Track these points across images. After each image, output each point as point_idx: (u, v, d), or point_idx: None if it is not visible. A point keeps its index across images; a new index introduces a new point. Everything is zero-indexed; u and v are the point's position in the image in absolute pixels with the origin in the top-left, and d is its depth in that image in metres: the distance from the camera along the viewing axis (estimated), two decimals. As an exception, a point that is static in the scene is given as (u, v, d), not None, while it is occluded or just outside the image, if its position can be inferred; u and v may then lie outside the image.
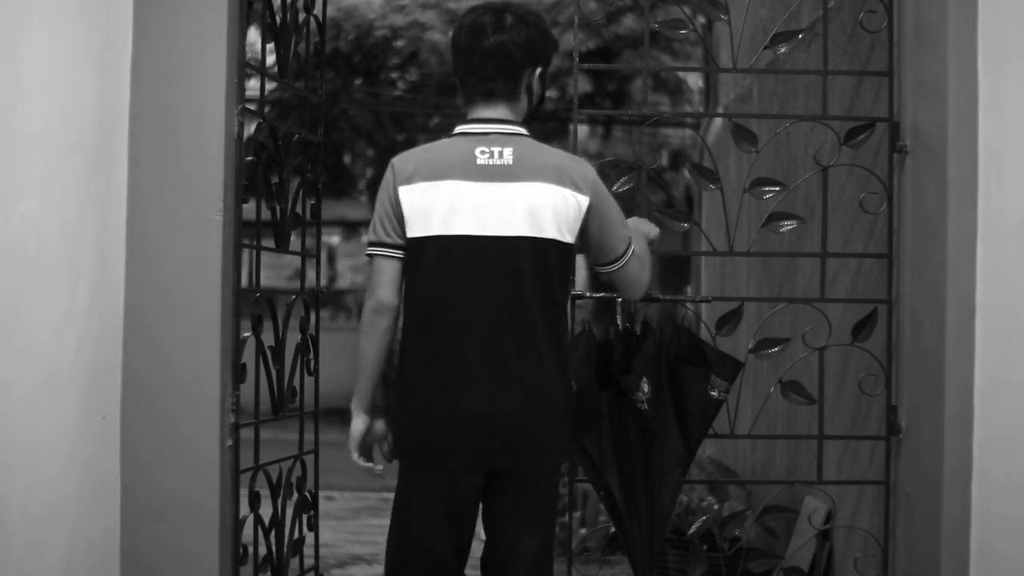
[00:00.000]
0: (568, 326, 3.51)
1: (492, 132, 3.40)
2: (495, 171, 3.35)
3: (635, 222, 3.73)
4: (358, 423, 3.49)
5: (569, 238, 3.38)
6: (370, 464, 3.52)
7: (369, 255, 3.43)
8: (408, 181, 3.38)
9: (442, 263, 3.33)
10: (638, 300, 3.71)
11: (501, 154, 3.36)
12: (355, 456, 3.52)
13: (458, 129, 3.45)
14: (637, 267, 3.53)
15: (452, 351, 3.32)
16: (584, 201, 3.37)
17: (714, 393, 3.82)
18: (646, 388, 3.72)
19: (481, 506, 3.43)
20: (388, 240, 3.40)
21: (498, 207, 3.33)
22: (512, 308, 3.31)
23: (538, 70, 3.47)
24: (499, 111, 3.43)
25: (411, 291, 3.39)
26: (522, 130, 3.44)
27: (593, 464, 3.80)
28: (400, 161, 3.43)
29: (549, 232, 3.34)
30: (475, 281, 3.32)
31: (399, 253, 3.39)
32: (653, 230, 3.80)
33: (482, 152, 3.36)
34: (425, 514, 3.37)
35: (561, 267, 3.38)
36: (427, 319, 3.36)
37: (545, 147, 3.44)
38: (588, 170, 3.44)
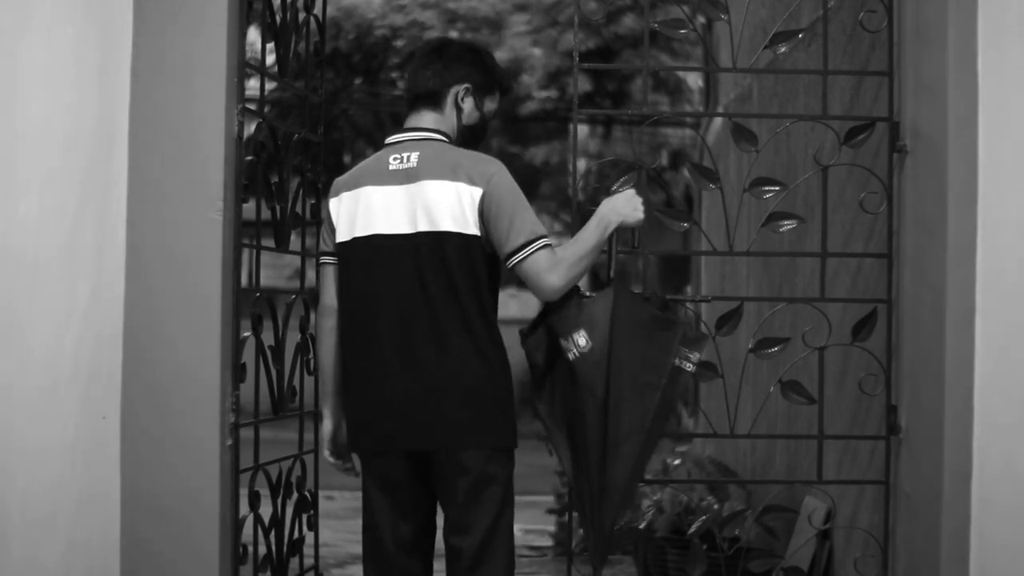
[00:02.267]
0: (487, 312, 3.58)
1: (406, 140, 3.66)
2: (402, 174, 3.60)
3: (618, 200, 3.71)
4: (327, 423, 3.80)
5: (473, 230, 3.54)
6: (339, 462, 3.81)
7: (318, 265, 3.78)
8: (336, 193, 3.71)
9: (360, 262, 3.62)
10: (555, 295, 3.57)
11: (409, 158, 3.60)
12: (327, 455, 3.80)
13: (385, 141, 3.71)
14: (542, 265, 3.53)
15: (370, 341, 3.59)
16: (477, 192, 3.54)
17: (678, 362, 3.67)
18: (581, 341, 3.61)
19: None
20: (325, 248, 3.74)
21: (403, 206, 3.58)
22: (418, 298, 3.55)
23: (466, 86, 3.68)
24: (423, 119, 3.68)
25: (340, 290, 3.69)
26: (437, 136, 3.66)
27: (546, 434, 3.73)
28: (336, 180, 3.76)
29: (445, 225, 3.54)
30: (385, 276, 3.58)
31: (333, 260, 3.71)
32: (633, 215, 3.69)
33: (394, 159, 3.62)
34: (371, 497, 3.64)
35: (465, 257, 3.54)
36: (352, 314, 3.65)
37: (456, 149, 3.64)
38: (489, 166, 3.59)
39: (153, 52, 3.62)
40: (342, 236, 3.65)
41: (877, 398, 4.03)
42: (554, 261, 3.54)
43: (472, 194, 3.54)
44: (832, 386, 4.47)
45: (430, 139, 3.65)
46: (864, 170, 4.11)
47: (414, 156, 3.59)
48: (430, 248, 3.53)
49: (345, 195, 3.67)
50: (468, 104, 3.69)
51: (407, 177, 3.58)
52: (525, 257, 3.53)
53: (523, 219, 3.55)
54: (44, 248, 3.31)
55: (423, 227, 3.55)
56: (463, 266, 3.54)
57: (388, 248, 3.57)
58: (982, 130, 3.58)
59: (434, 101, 3.68)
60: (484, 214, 3.54)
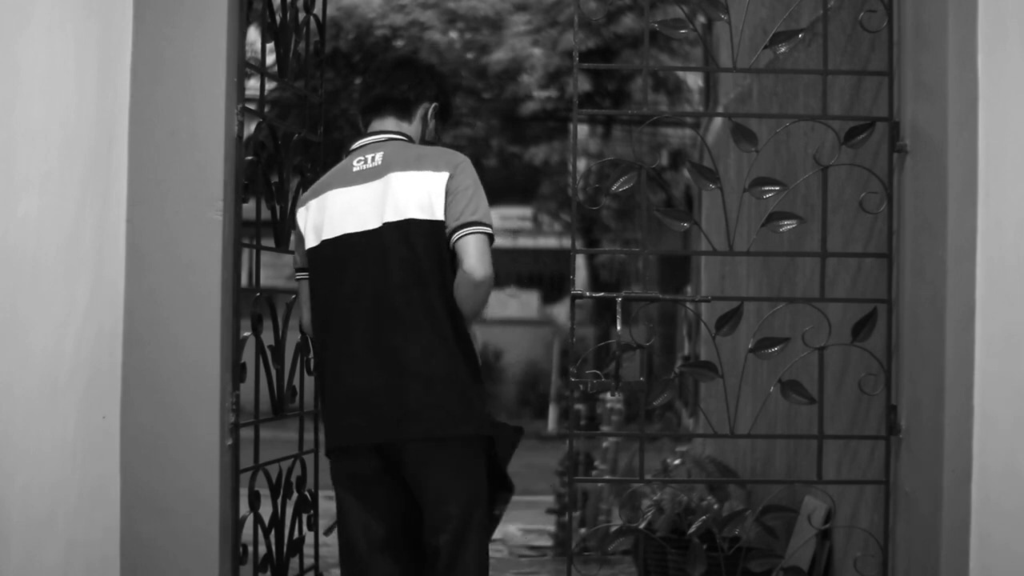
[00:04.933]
0: (452, 302, 3.54)
1: (370, 143, 3.71)
2: (367, 173, 3.62)
3: None
4: None
5: (437, 215, 3.53)
6: None
7: (296, 280, 3.79)
8: (303, 203, 3.73)
9: (329, 262, 3.61)
10: (473, 287, 3.52)
11: (373, 158, 3.64)
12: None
13: (348, 149, 3.75)
14: (481, 248, 3.51)
15: (342, 338, 3.58)
16: (443, 176, 3.55)
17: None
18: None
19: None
20: (298, 264, 3.75)
21: (370, 203, 3.58)
22: (385, 291, 3.53)
23: (435, 104, 3.79)
24: (387, 124, 3.74)
25: (312, 295, 3.68)
26: (400, 136, 3.72)
27: None
28: (302, 195, 3.79)
29: (411, 213, 3.53)
30: (354, 273, 3.57)
31: (306, 275, 3.71)
32: None
33: (358, 161, 3.66)
34: (342, 497, 3.66)
35: (427, 243, 3.52)
36: (323, 315, 3.63)
37: (420, 147, 3.70)
38: (456, 156, 3.64)
39: (153, 52, 3.62)
40: (311, 242, 3.65)
41: (877, 398, 4.03)
42: (487, 256, 3.53)
43: (439, 179, 3.55)
44: (832, 386, 4.47)
45: (393, 139, 3.70)
46: (864, 170, 4.11)
47: (379, 156, 3.63)
48: (396, 237, 3.52)
49: (312, 202, 3.68)
50: (433, 122, 3.78)
51: (373, 175, 3.60)
52: (471, 233, 3.52)
53: (480, 202, 3.57)
54: (44, 248, 3.30)
55: (389, 218, 3.54)
56: (429, 252, 3.52)
57: (357, 246, 3.56)
58: (982, 130, 3.58)
59: (404, 109, 3.74)
60: (448, 194, 3.54)
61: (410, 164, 3.58)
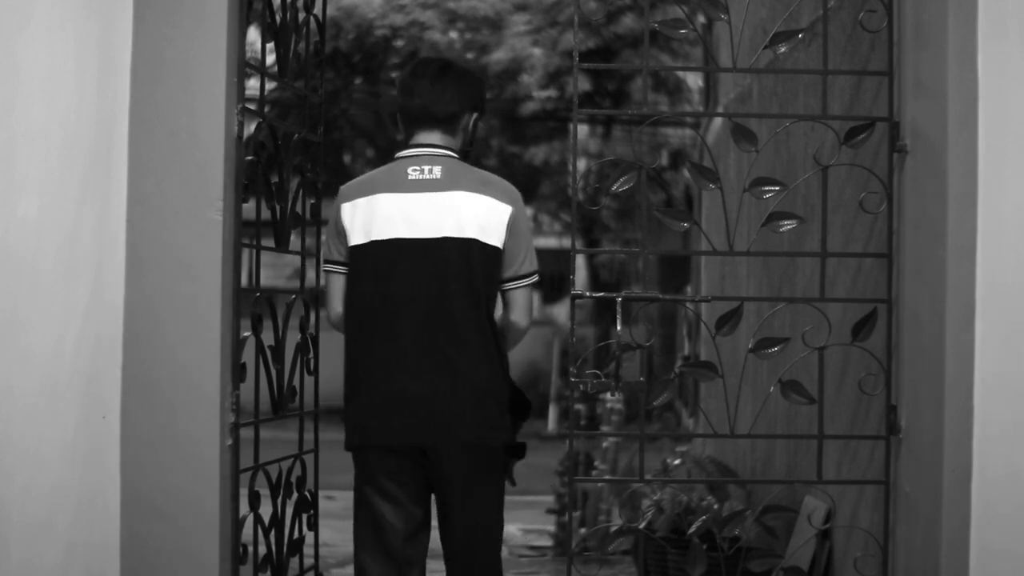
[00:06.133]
0: (494, 320, 3.83)
1: (423, 155, 3.84)
2: (425, 184, 3.78)
3: None
4: None
5: (495, 241, 3.78)
6: None
7: (323, 272, 3.92)
8: (348, 199, 3.83)
9: (378, 264, 3.76)
10: (518, 334, 3.90)
11: (431, 170, 3.80)
12: None
13: (397, 155, 3.88)
14: (528, 301, 3.87)
15: (386, 340, 3.74)
16: (507, 210, 3.79)
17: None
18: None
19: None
20: (335, 257, 3.86)
21: (426, 213, 3.76)
22: (439, 300, 3.73)
23: (477, 114, 3.95)
24: (434, 137, 3.87)
25: (352, 291, 3.81)
26: (451, 154, 3.87)
27: None
28: (344, 187, 3.90)
29: (470, 232, 3.75)
30: (406, 278, 3.74)
31: (341, 268, 3.84)
32: None
33: (414, 169, 3.80)
34: (377, 490, 3.77)
35: (486, 266, 3.77)
36: (367, 314, 3.78)
37: (479, 171, 3.92)
38: (512, 190, 3.87)
39: (153, 52, 3.62)
40: (357, 240, 3.77)
41: (877, 398, 4.03)
42: (531, 305, 3.90)
43: (502, 210, 3.78)
44: (832, 386, 4.47)
45: (447, 156, 3.85)
46: (864, 170, 4.11)
47: (436, 169, 3.79)
48: (456, 253, 3.73)
49: (360, 201, 3.80)
50: (471, 130, 3.94)
51: (432, 187, 3.77)
52: (523, 286, 3.84)
53: (532, 248, 3.87)
54: (44, 249, 3.30)
55: (450, 233, 3.73)
56: (483, 273, 3.76)
57: (410, 251, 3.73)
58: (982, 130, 3.58)
59: (450, 124, 3.88)
60: (509, 233, 3.79)
61: (475, 187, 3.78)
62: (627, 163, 4.08)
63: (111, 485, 3.58)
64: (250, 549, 3.90)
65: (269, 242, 4.12)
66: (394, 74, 15.27)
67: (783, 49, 4.10)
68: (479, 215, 3.74)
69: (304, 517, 4.30)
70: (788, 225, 4.05)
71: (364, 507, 3.79)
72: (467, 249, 3.73)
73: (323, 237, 3.99)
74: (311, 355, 4.35)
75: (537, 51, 14.44)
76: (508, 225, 3.78)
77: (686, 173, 12.30)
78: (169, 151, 3.62)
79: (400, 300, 3.72)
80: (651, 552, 5.98)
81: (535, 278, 3.85)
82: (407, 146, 3.87)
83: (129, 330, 3.61)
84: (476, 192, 3.77)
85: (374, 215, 3.76)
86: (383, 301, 3.74)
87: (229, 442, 3.68)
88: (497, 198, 3.78)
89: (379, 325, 3.74)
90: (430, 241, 3.73)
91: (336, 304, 3.85)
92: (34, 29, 3.26)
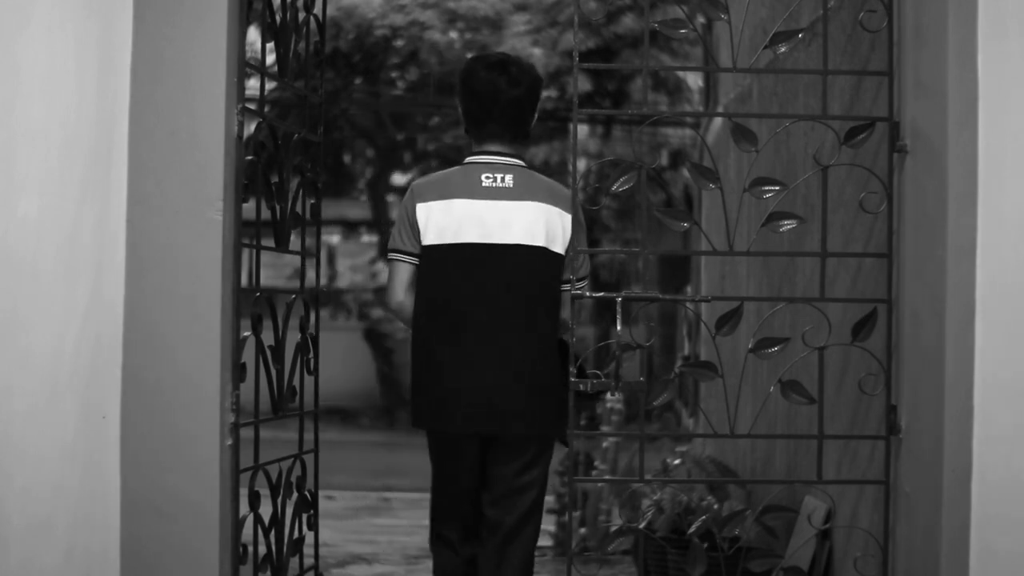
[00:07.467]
0: (556, 322, 4.18)
1: (496, 162, 4.18)
2: (498, 191, 4.13)
3: None
4: None
5: (558, 249, 4.13)
6: None
7: (389, 259, 4.22)
8: (424, 200, 4.15)
9: (451, 265, 4.10)
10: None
11: (503, 179, 4.14)
12: None
13: (468, 159, 4.23)
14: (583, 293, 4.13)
15: (456, 335, 4.08)
16: (569, 219, 4.09)
17: None
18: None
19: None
20: (404, 248, 4.16)
21: (499, 220, 4.10)
22: (506, 301, 4.08)
23: (537, 115, 4.29)
24: (504, 146, 4.21)
25: (424, 287, 4.14)
26: (521, 162, 4.23)
27: None
28: (418, 184, 4.24)
29: (539, 241, 4.11)
30: (477, 279, 4.08)
31: (414, 260, 4.15)
32: None
33: (487, 177, 4.15)
34: (447, 457, 4.21)
35: (549, 271, 4.13)
36: (437, 310, 4.11)
37: (538, 175, 4.26)
38: (569, 196, 4.10)
39: (153, 52, 3.62)
40: (431, 240, 4.11)
41: (877, 398, 4.03)
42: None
43: (565, 220, 4.12)
44: (832, 386, 4.47)
45: (518, 165, 4.20)
46: (864, 170, 4.11)
47: (508, 177, 4.14)
48: (527, 260, 4.08)
49: (436, 204, 4.12)
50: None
51: (506, 195, 4.12)
52: (583, 287, 4.14)
53: (587, 256, 4.20)
54: (44, 249, 3.31)
55: (519, 240, 4.09)
56: (549, 279, 4.12)
57: (483, 254, 4.08)
58: (982, 130, 3.58)
59: (517, 133, 4.24)
60: (570, 244, 4.10)
61: (543, 196, 4.14)
62: (627, 163, 4.07)
63: (111, 485, 3.58)
64: (250, 549, 3.90)
65: (269, 242, 4.12)
66: (394, 74, 15.28)
67: (783, 49, 4.10)
68: (548, 224, 4.09)
69: (304, 517, 4.30)
70: (788, 225, 4.04)
71: (438, 469, 4.23)
72: (535, 256, 4.08)
73: (394, 228, 4.23)
74: (311, 355, 4.34)
75: (537, 51, 14.43)
76: (570, 235, 4.07)
77: (686, 173, 12.31)
78: (169, 151, 3.62)
79: (469, 300, 4.06)
80: (651, 552, 5.98)
81: (588, 281, 4.19)
82: (478, 151, 4.19)
83: (129, 330, 3.61)
84: (545, 203, 4.11)
85: (450, 218, 4.08)
86: (453, 299, 4.08)
87: (229, 442, 3.68)
88: (562, 208, 4.12)
89: (449, 321, 4.07)
90: (501, 247, 4.07)
91: (399, 291, 4.15)
92: (34, 29, 3.26)
